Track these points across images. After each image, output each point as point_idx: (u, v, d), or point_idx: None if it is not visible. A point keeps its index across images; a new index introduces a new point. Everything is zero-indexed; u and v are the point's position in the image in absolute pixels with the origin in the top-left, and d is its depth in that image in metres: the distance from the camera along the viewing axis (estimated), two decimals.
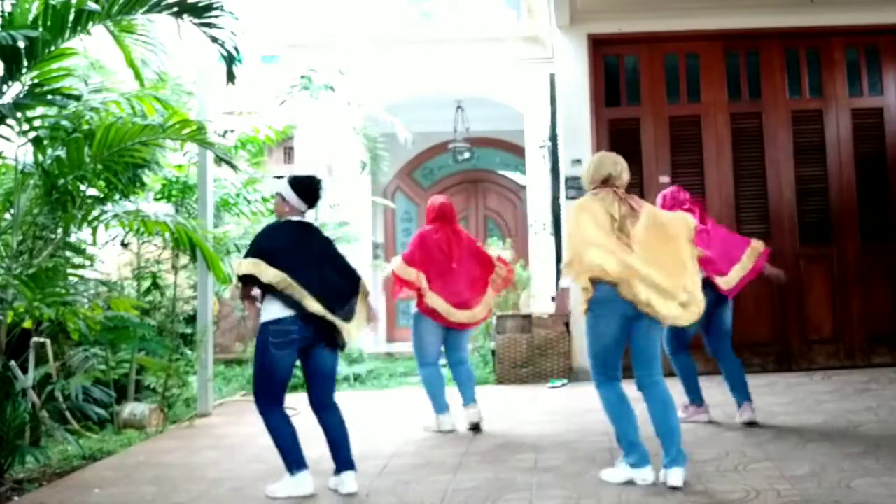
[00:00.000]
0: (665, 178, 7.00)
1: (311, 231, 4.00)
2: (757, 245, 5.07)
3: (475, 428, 5.12)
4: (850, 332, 7.07)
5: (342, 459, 3.86)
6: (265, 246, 3.85)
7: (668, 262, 3.72)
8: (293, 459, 3.81)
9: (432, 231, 5.26)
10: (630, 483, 3.72)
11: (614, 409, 3.80)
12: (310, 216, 4.15)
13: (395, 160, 10.44)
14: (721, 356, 5.12)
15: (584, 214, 3.78)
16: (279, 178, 8.01)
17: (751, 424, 4.88)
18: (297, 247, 3.84)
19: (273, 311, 3.77)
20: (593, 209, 3.79)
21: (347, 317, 3.87)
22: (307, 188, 3.97)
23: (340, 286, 3.89)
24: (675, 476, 3.59)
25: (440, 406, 5.18)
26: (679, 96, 7.35)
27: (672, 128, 7.27)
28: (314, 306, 3.73)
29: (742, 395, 4.98)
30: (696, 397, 5.13)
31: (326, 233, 8.51)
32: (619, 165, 3.90)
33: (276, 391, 3.87)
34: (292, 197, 3.94)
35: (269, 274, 3.72)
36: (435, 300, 5.08)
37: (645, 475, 3.70)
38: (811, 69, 7.34)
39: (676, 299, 3.67)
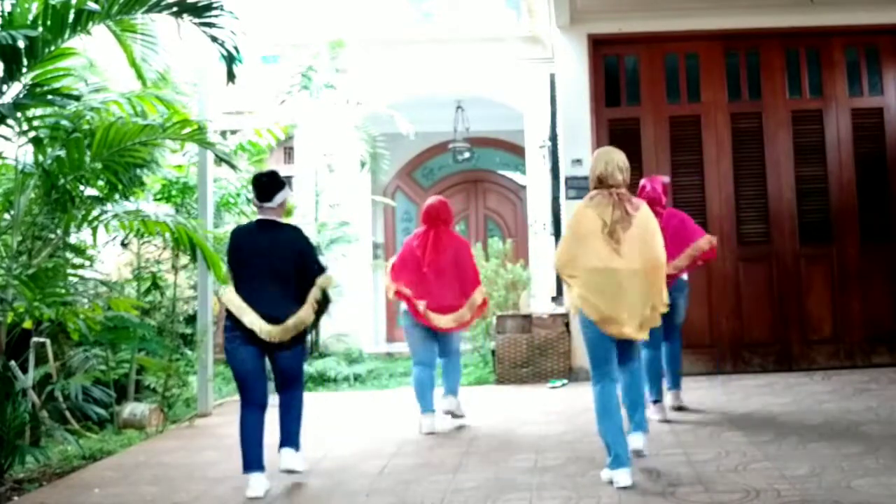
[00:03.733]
0: (664, 179, 6.99)
1: (267, 230, 4.08)
2: (703, 243, 5.19)
3: (451, 414, 5.31)
4: (850, 332, 7.06)
5: (286, 435, 4.10)
6: (230, 260, 4.10)
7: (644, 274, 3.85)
8: (245, 459, 3.93)
9: (414, 237, 5.35)
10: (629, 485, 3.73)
11: (599, 407, 3.84)
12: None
13: (396, 160, 10.45)
14: (668, 344, 5.28)
15: (570, 232, 3.92)
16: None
17: (679, 409, 5.31)
18: (247, 255, 4.03)
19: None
20: (585, 219, 3.87)
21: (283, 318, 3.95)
22: (253, 184, 4.12)
23: (281, 293, 3.98)
24: (637, 439, 4.04)
25: (424, 406, 5.21)
26: (679, 96, 7.35)
27: (672, 128, 7.27)
28: (246, 319, 3.89)
29: (674, 382, 5.38)
30: (653, 394, 5.15)
31: (326, 233, 8.62)
32: (610, 164, 3.88)
33: (241, 387, 4.04)
34: (252, 194, 4.14)
35: (230, 302, 3.97)
36: (419, 303, 5.17)
37: (618, 478, 3.68)
38: (811, 69, 7.33)
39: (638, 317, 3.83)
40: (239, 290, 3.97)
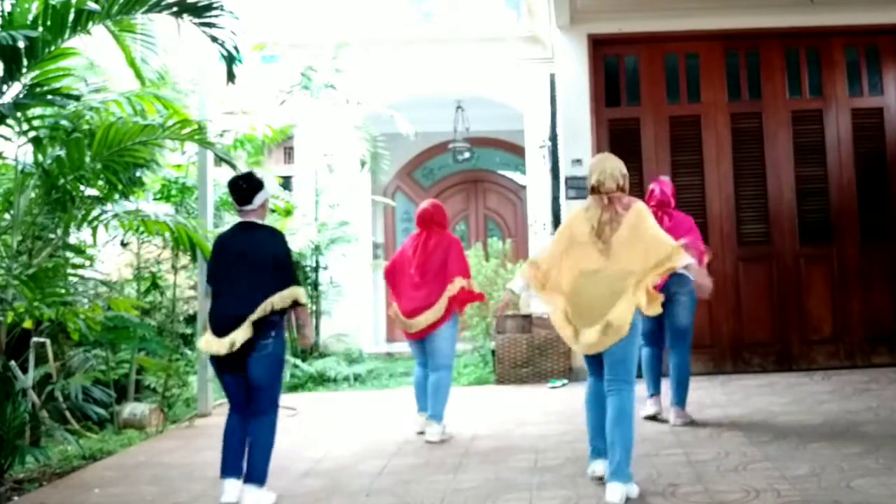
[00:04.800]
0: (665, 179, 7.01)
1: (245, 232, 3.96)
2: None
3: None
4: (850, 332, 7.06)
5: (249, 469, 3.74)
6: (209, 267, 4.02)
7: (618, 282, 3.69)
8: (222, 463, 3.80)
9: (409, 239, 5.36)
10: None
11: (586, 400, 3.91)
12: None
13: (396, 160, 10.44)
14: (671, 351, 5.20)
15: (559, 238, 3.93)
16: (281, 178, 8.01)
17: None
18: (224, 256, 3.94)
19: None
20: (574, 222, 3.89)
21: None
22: (231, 190, 4.00)
23: (250, 293, 3.78)
24: (611, 491, 3.49)
25: (419, 405, 5.23)
26: (679, 96, 7.35)
27: (672, 128, 7.27)
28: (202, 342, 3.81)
29: (679, 398, 5.10)
30: (651, 388, 5.23)
31: (326, 233, 8.61)
32: (602, 174, 3.85)
33: (225, 393, 3.94)
34: (232, 200, 4.02)
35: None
36: (397, 315, 5.17)
37: (592, 467, 3.80)
38: (811, 69, 7.33)
39: (598, 324, 3.64)
40: (213, 289, 3.91)
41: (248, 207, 3.95)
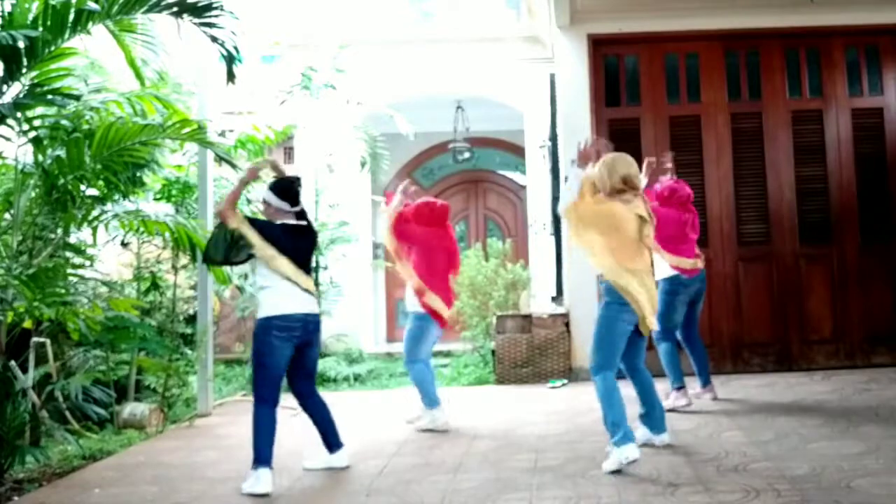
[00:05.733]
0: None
1: (307, 235, 4.32)
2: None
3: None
4: (850, 332, 7.07)
5: (334, 437, 4.34)
6: (272, 240, 4.11)
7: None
8: (261, 454, 4.02)
9: (433, 237, 5.34)
10: (629, 480, 3.73)
11: (607, 394, 4.05)
12: (309, 215, 4.31)
13: (396, 160, 10.44)
14: (689, 340, 5.58)
15: (600, 208, 4.08)
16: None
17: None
18: (291, 247, 4.17)
19: (280, 305, 4.08)
20: (617, 214, 4.00)
21: None
22: (284, 188, 4.22)
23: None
24: (664, 439, 4.31)
25: (433, 401, 5.23)
26: (679, 96, 7.35)
27: (672, 128, 7.27)
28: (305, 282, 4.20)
29: (705, 378, 5.68)
30: (678, 381, 5.40)
31: (326, 233, 8.61)
32: (633, 167, 4.12)
33: (267, 384, 4.12)
34: (273, 199, 4.20)
35: (284, 267, 4.11)
36: (437, 302, 5.22)
37: (627, 453, 3.87)
38: (811, 69, 7.34)
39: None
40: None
41: (298, 208, 4.24)
